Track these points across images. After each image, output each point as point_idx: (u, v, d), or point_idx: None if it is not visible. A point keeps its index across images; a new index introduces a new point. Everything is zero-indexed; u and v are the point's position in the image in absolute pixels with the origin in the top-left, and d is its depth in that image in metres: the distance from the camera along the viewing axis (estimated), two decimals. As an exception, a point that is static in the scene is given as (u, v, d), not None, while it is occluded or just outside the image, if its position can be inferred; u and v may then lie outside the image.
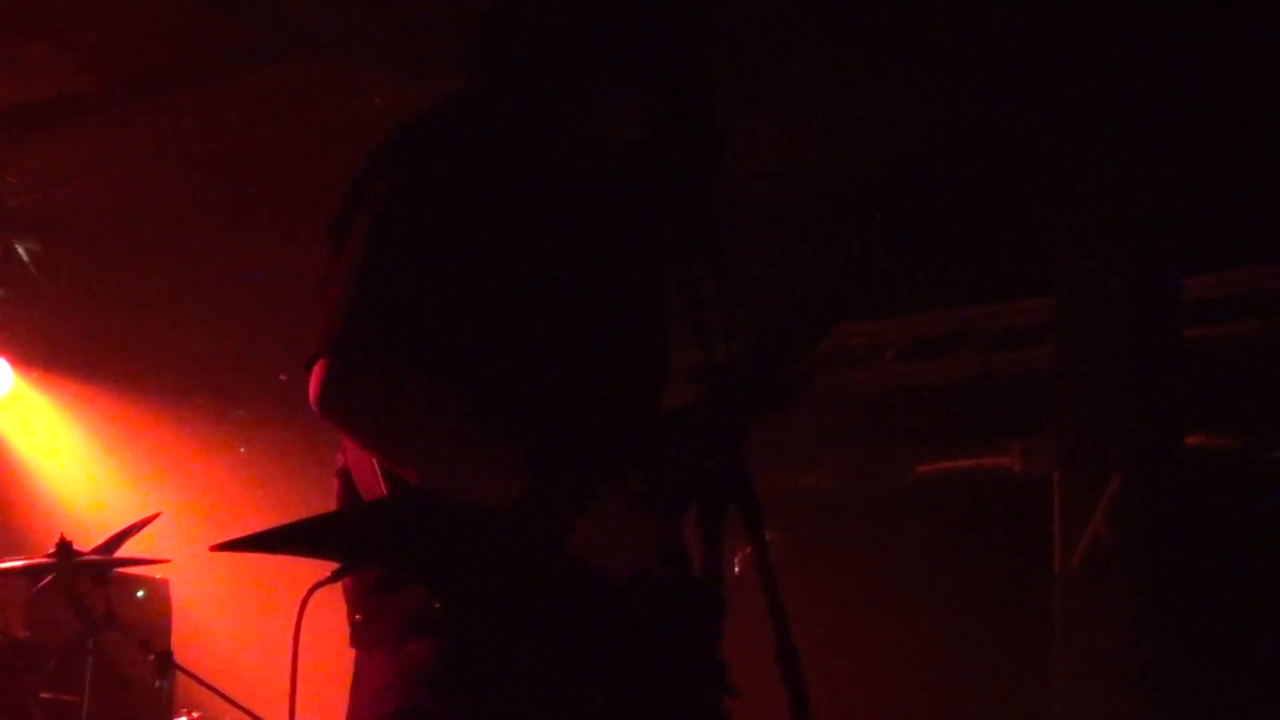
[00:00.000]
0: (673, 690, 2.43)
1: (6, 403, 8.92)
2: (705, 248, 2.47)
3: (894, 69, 6.57)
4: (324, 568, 2.39)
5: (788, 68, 6.33)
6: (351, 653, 2.47)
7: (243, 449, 9.92)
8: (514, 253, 2.42)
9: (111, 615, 5.39)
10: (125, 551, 5.44)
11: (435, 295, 2.37)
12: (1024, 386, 7.71)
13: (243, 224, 8.35)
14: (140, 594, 6.91)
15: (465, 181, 2.42)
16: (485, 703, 2.31)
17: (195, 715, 5.97)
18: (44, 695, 5.60)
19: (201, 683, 5.37)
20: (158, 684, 5.38)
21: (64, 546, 5.27)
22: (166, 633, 6.75)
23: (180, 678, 5.47)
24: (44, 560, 5.30)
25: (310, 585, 2.37)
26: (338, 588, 2.41)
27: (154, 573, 6.77)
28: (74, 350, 9.08)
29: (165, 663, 5.33)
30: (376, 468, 2.38)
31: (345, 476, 2.47)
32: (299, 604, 2.36)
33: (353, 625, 2.44)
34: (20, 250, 8.80)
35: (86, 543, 5.39)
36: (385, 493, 2.36)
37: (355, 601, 2.42)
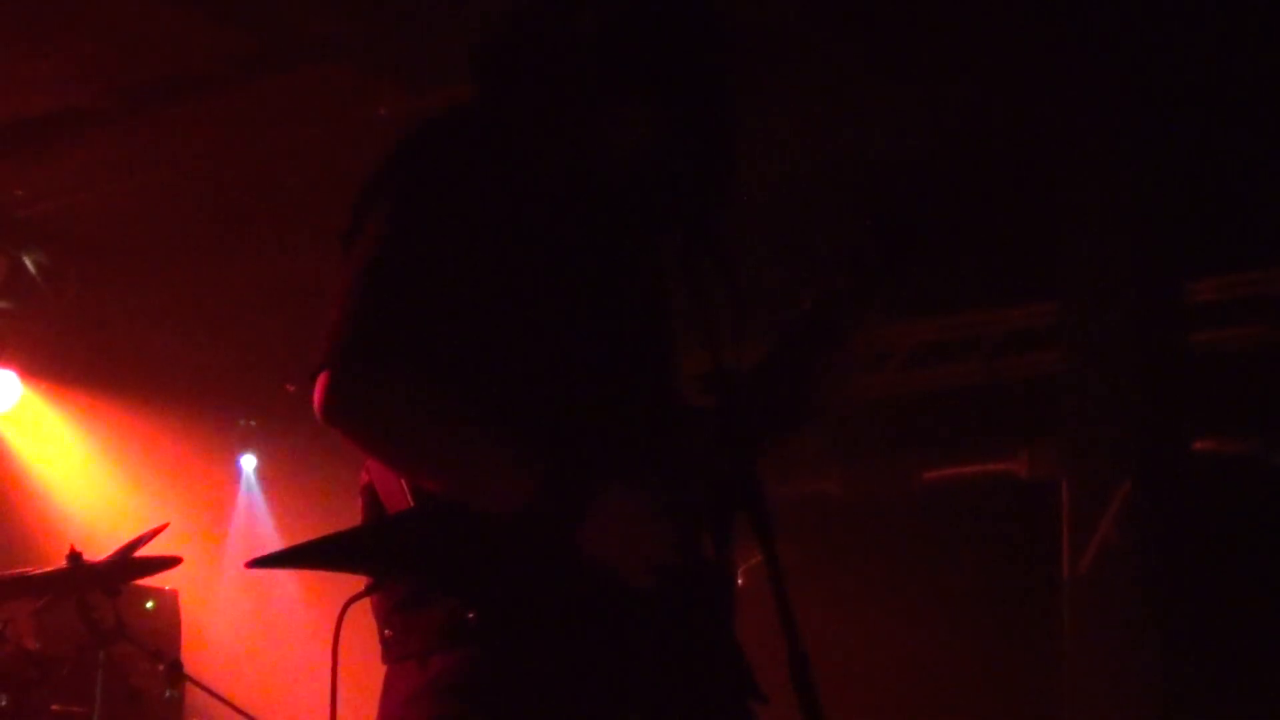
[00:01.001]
0: (703, 694, 2.43)
1: (15, 414, 8.93)
2: (713, 252, 2.47)
3: (900, 74, 6.57)
4: (346, 580, 2.39)
5: (793, 72, 6.33)
6: (378, 666, 2.47)
7: (248, 456, 9.94)
8: (520, 259, 2.42)
9: (121, 626, 5.40)
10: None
11: (440, 303, 2.37)
12: (1031, 391, 7.70)
13: (249, 234, 8.36)
14: (149, 605, 6.92)
15: (469, 189, 2.42)
16: (516, 711, 2.32)
17: (204, 725, 5.99)
18: (54, 707, 5.61)
19: (211, 693, 5.38)
20: (167, 694, 5.40)
21: (74, 558, 5.28)
22: (176, 643, 6.77)
23: (190, 688, 5.48)
24: (54, 571, 5.31)
25: (344, 601, 2.37)
26: (365, 603, 2.42)
27: (163, 583, 6.78)
28: (82, 362, 9.09)
29: (175, 673, 5.35)
30: (403, 484, 2.38)
31: (370, 493, 2.47)
32: (335, 620, 2.37)
33: (383, 640, 2.44)
34: (28, 263, 8.81)
35: (95, 554, 5.39)
36: (412, 506, 2.37)
37: (385, 616, 2.42)
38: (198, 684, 5.38)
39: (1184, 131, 6.61)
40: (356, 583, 2.42)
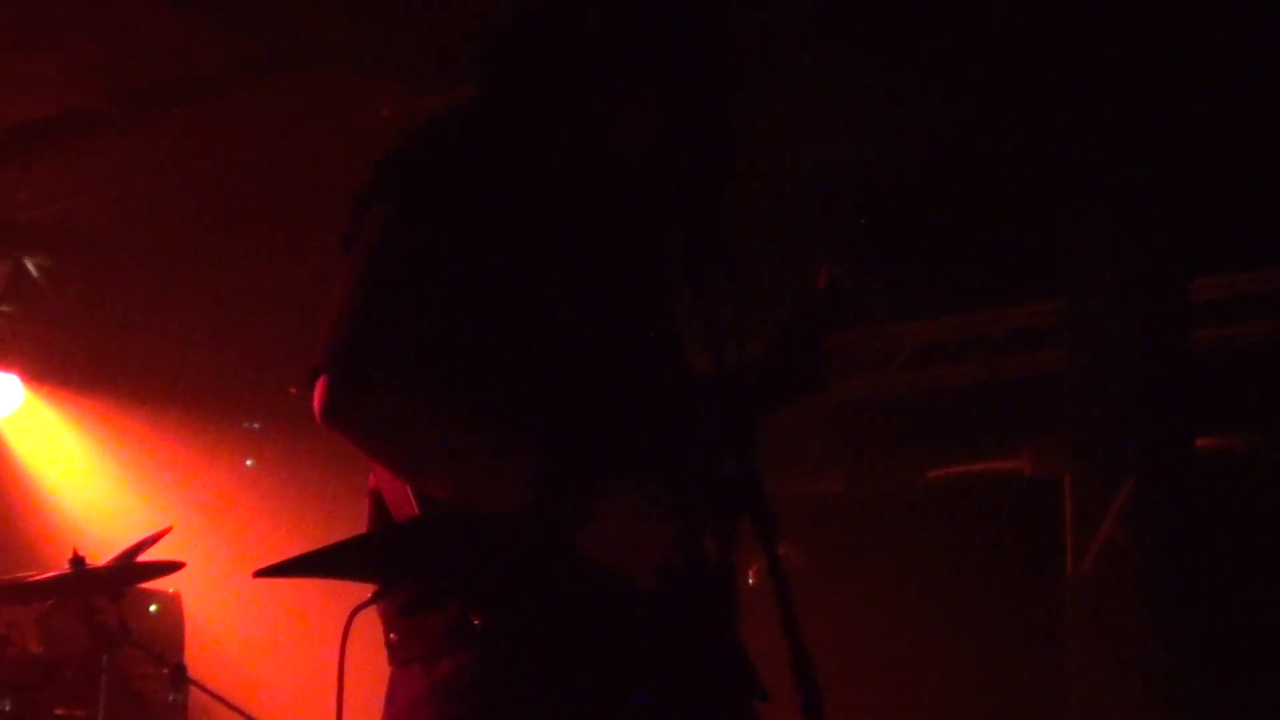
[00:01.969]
0: (707, 694, 2.43)
1: (17, 418, 8.94)
2: (715, 253, 2.47)
3: (902, 73, 6.57)
4: (352, 587, 2.39)
5: (794, 73, 6.33)
6: (383, 669, 2.46)
7: (250, 461, 9.94)
8: (520, 259, 2.41)
9: (125, 630, 5.40)
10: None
11: (440, 304, 2.37)
12: (1035, 390, 7.70)
13: (252, 237, 8.36)
14: (153, 608, 6.92)
15: (468, 189, 2.41)
16: (521, 714, 2.32)
17: (209, 728, 5.98)
18: (58, 710, 5.61)
19: (215, 696, 5.38)
20: (171, 698, 5.39)
21: (78, 562, 5.28)
22: (179, 647, 6.76)
23: (193, 691, 5.48)
24: (58, 575, 5.31)
25: (350, 606, 2.37)
26: (370, 607, 2.42)
27: (166, 586, 6.77)
28: (84, 365, 9.09)
29: (179, 676, 5.34)
30: (409, 490, 2.38)
31: (376, 497, 2.47)
32: (343, 626, 2.37)
33: (388, 643, 2.44)
34: (30, 266, 8.82)
35: (98, 558, 5.40)
36: (417, 512, 2.36)
37: (390, 620, 2.42)
38: (201, 687, 5.38)
39: (1186, 130, 6.61)
40: (361, 585, 2.42)
